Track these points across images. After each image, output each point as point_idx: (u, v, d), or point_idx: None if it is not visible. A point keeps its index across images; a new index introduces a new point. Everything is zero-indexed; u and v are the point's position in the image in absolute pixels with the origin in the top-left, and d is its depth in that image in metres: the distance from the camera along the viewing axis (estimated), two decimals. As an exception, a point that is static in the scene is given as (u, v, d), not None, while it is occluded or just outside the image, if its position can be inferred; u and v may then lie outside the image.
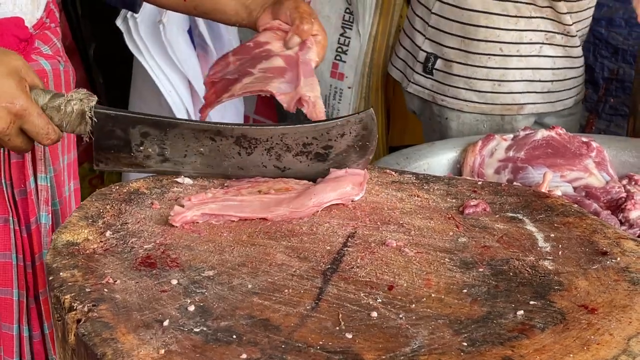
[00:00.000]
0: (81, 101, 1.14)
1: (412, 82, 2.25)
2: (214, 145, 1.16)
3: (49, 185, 1.37)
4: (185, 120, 1.19)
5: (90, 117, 1.13)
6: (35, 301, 1.37)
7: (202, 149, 1.16)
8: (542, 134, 1.91)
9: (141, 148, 1.16)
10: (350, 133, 1.17)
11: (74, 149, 1.55)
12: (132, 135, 1.15)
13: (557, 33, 2.12)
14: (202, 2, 1.44)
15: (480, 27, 2.09)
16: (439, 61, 2.17)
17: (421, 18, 2.21)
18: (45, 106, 1.13)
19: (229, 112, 2.49)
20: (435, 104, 2.21)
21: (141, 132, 1.15)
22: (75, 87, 1.52)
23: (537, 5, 2.07)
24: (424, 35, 2.20)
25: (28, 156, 1.34)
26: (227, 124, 1.18)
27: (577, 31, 2.14)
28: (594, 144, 1.90)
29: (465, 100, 2.16)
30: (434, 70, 2.19)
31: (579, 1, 2.11)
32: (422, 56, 2.20)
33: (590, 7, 2.16)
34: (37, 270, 1.36)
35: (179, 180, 1.19)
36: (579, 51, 2.18)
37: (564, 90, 2.20)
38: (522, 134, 1.92)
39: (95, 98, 1.16)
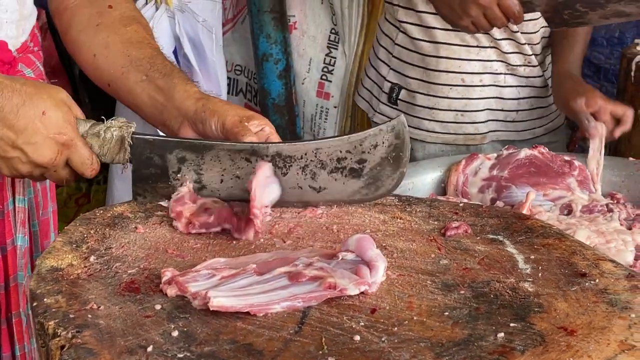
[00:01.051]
0: (120, 128, 1.16)
1: (378, 112, 2.24)
2: (250, 167, 1.16)
3: (26, 207, 1.37)
4: (221, 141, 1.18)
5: (129, 144, 1.14)
6: (7, 322, 1.37)
7: (238, 172, 1.16)
8: (525, 152, 1.93)
9: (178, 176, 1.16)
10: (383, 143, 1.18)
11: None
12: (170, 161, 1.16)
13: (519, 66, 2.12)
14: (119, 95, 1.38)
15: (442, 57, 2.10)
16: (402, 92, 2.17)
17: (385, 49, 2.21)
18: (86, 133, 1.15)
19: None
20: None
21: (178, 157, 1.16)
22: None
23: (494, 38, 2.08)
24: (389, 66, 2.20)
25: (7, 178, 1.34)
26: (261, 142, 1.18)
27: (539, 63, 2.15)
28: (577, 163, 1.92)
29: (428, 131, 2.16)
30: (398, 101, 2.18)
31: (534, 33, 2.11)
32: (387, 86, 2.20)
33: (545, 37, 2.16)
34: (10, 292, 1.36)
35: (163, 203, 1.20)
36: (542, 81, 2.17)
37: (531, 119, 2.20)
38: (505, 153, 1.94)
39: (134, 124, 1.16)
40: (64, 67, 3.29)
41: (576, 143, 2.68)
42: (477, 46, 2.09)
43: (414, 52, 2.13)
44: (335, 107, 2.70)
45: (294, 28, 2.74)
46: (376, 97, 2.25)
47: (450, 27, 2.02)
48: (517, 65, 2.12)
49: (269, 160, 1.15)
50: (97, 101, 3.47)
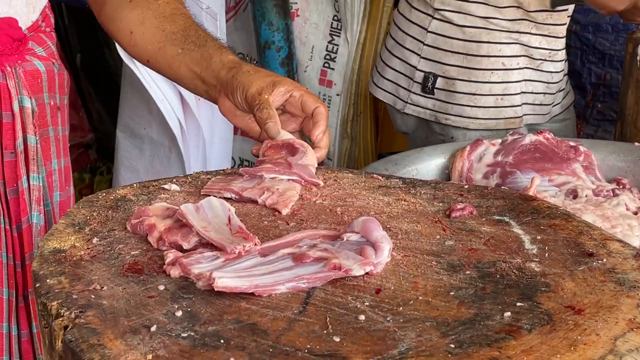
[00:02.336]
0: None
1: (410, 103, 2.21)
2: None
3: (41, 185, 1.37)
4: None
5: None
6: (24, 300, 1.37)
7: None
8: (530, 138, 1.92)
9: None
10: None
11: (66, 156, 1.55)
12: None
13: (547, 49, 2.17)
14: (160, 70, 1.39)
15: (483, 42, 2.10)
16: (439, 80, 2.15)
17: (414, 37, 2.18)
18: None
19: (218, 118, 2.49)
20: (439, 123, 2.19)
21: None
22: (68, 92, 1.53)
23: (537, 22, 2.12)
24: (419, 55, 2.17)
25: (21, 155, 1.35)
26: None
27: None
28: (582, 148, 1.91)
29: (470, 117, 2.15)
30: (435, 90, 2.16)
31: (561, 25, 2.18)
32: (419, 76, 2.17)
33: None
34: (26, 270, 1.36)
35: (166, 186, 1.19)
36: (562, 54, 2.23)
37: (554, 102, 2.25)
38: (510, 138, 1.93)
39: None
40: (66, 57, 3.29)
41: (580, 130, 2.68)
42: (517, 32, 2.11)
43: (453, 39, 2.12)
44: (337, 95, 2.69)
45: (296, 15, 2.73)
46: (405, 88, 2.22)
47: (490, 15, 2.07)
48: (558, 50, 2.18)
49: None
50: (100, 92, 3.47)
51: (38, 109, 1.41)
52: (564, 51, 2.23)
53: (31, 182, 1.36)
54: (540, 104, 2.22)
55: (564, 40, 2.20)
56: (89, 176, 3.49)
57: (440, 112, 2.17)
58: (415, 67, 2.18)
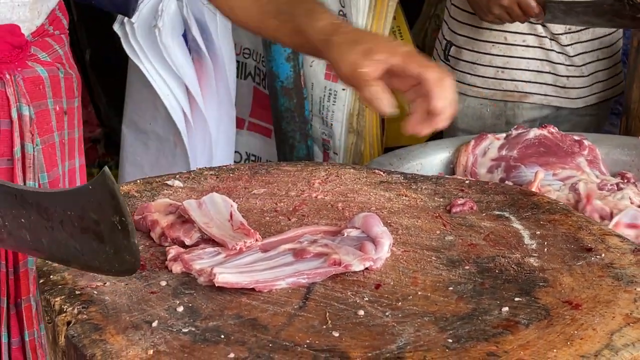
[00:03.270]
0: None
1: None
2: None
3: None
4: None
5: None
6: (16, 308, 1.36)
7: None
8: (534, 132, 1.92)
9: None
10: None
11: (79, 155, 1.55)
12: None
13: (561, 34, 2.18)
14: (275, 40, 1.38)
15: None
16: (452, 48, 2.30)
17: (447, 9, 2.35)
18: None
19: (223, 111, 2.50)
20: None
21: None
22: (79, 95, 1.53)
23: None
24: (447, 25, 2.34)
25: (18, 163, 1.34)
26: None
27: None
28: (586, 142, 1.91)
29: (469, 85, 2.26)
30: (449, 57, 2.32)
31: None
32: (443, 44, 2.35)
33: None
34: (20, 278, 1.35)
35: (169, 182, 1.20)
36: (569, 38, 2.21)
37: (585, 87, 2.24)
38: (514, 133, 1.94)
39: None
40: (74, 54, 3.30)
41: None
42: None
43: (465, 11, 2.24)
44: (343, 89, 2.68)
45: (302, 10, 2.73)
46: (437, 56, 2.40)
47: None
48: (559, 34, 2.18)
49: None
50: (107, 86, 3.48)
51: (40, 116, 1.40)
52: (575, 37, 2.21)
53: None
54: (564, 87, 2.22)
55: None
56: (97, 171, 3.51)
57: None
58: (443, 36, 2.36)
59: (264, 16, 1.28)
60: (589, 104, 2.26)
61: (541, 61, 2.20)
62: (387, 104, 1.12)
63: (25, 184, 1.35)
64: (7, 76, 1.35)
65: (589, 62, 2.23)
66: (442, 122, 1.13)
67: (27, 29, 1.37)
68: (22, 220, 0.90)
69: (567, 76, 2.22)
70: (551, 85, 2.23)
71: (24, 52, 1.37)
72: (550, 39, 2.19)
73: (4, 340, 1.35)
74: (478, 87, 2.25)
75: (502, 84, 2.23)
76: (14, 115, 1.35)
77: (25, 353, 1.36)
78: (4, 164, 1.34)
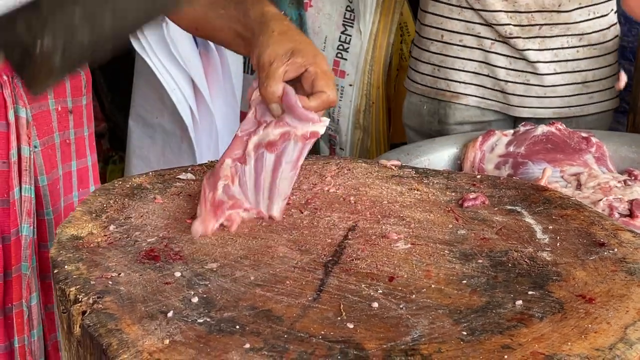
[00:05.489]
0: None
1: None
2: None
3: (33, 196, 1.35)
4: None
5: None
6: (4, 313, 1.34)
7: None
8: (542, 129, 1.92)
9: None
10: None
11: (91, 153, 1.53)
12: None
13: (513, 38, 2.07)
14: (207, 36, 1.36)
15: (428, 13, 2.17)
16: (412, 44, 2.31)
17: None
18: None
19: (226, 107, 2.50)
20: None
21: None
22: (87, 92, 1.51)
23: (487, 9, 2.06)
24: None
25: (14, 166, 1.32)
26: None
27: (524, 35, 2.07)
28: (594, 139, 1.91)
29: (411, 80, 2.26)
30: (410, 52, 2.34)
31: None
32: None
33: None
34: (12, 283, 1.33)
35: (181, 176, 1.20)
36: (535, 55, 2.07)
37: (531, 96, 2.11)
38: (522, 129, 1.94)
39: None
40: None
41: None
42: (458, 6, 2.11)
43: (420, 9, 2.24)
44: (350, 85, 2.69)
45: (310, 6, 2.73)
46: None
47: None
48: (510, 38, 2.07)
49: None
50: (113, 80, 3.48)
51: (40, 117, 1.38)
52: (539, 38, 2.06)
53: (23, 194, 1.32)
54: (502, 91, 2.11)
55: (513, 27, 2.05)
56: (102, 165, 3.51)
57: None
58: None
59: (209, 8, 1.26)
60: (541, 117, 2.10)
61: (481, 63, 2.12)
62: (279, 111, 1.13)
63: (21, 187, 1.32)
64: (5, 77, 1.32)
65: (529, 72, 2.08)
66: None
67: None
68: None
69: (506, 81, 2.09)
70: (490, 89, 2.13)
71: None
72: (494, 41, 2.07)
73: None
74: (417, 83, 2.23)
75: (437, 82, 2.19)
76: (11, 117, 1.32)
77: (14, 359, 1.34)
78: (0, 166, 1.32)
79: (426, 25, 2.18)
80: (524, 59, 2.09)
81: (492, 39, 2.10)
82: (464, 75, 2.15)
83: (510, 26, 2.06)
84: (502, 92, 2.13)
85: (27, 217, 1.33)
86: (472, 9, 2.09)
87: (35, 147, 1.37)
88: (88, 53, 0.98)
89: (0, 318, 1.35)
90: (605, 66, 2.13)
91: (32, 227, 1.34)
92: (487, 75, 2.13)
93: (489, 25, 2.09)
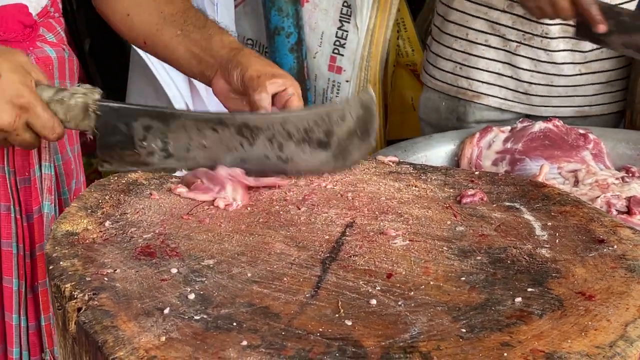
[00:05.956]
0: (85, 95, 1.14)
1: None
2: (217, 137, 1.15)
3: (53, 174, 1.37)
4: (187, 111, 1.19)
5: (93, 111, 1.13)
6: (32, 292, 1.36)
7: (204, 142, 1.15)
8: (539, 125, 1.91)
9: (144, 143, 1.15)
10: (351, 115, 1.17)
11: (77, 142, 1.55)
12: (136, 129, 1.14)
13: (534, 35, 2.07)
14: (156, 52, 1.41)
15: (454, 9, 2.15)
16: (429, 38, 2.29)
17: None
18: (50, 100, 1.14)
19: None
20: None
21: (144, 125, 1.14)
22: (77, 78, 1.53)
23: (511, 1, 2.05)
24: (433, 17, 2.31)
25: None
26: (228, 113, 1.18)
27: (560, 35, 2.06)
28: (591, 136, 1.90)
29: (430, 76, 2.25)
30: (426, 46, 2.33)
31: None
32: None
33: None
34: (36, 261, 1.35)
35: (178, 173, 1.19)
36: (564, 56, 2.07)
37: (553, 96, 2.12)
38: (519, 125, 1.93)
39: (99, 91, 1.16)
40: (74, 42, 3.29)
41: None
42: (486, 5, 2.09)
43: (442, 4, 2.22)
44: (347, 81, 2.68)
45: (306, 1, 2.72)
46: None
47: None
48: (533, 34, 2.07)
49: (236, 131, 1.14)
50: (107, 75, 3.47)
51: None
52: (560, 40, 2.06)
53: (43, 171, 1.35)
54: (526, 93, 2.11)
55: (551, 27, 2.04)
56: (96, 161, 3.50)
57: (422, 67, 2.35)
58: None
59: (165, 25, 1.36)
60: (563, 115, 2.07)
61: (502, 64, 2.12)
62: (266, 105, 1.23)
63: (41, 165, 1.34)
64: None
65: (553, 74, 2.08)
66: None
67: (33, 9, 1.37)
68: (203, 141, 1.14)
69: (530, 82, 2.10)
70: (512, 90, 2.12)
71: (35, 31, 1.37)
72: (518, 43, 2.07)
73: (23, 324, 1.34)
74: (436, 79, 2.22)
75: (458, 80, 2.18)
76: None
77: (42, 338, 1.36)
78: None
79: (450, 22, 2.16)
80: (551, 61, 2.09)
81: (517, 42, 2.09)
82: (487, 75, 2.14)
83: (549, 26, 2.04)
84: (525, 93, 2.14)
85: (48, 194, 1.34)
86: (503, 11, 2.06)
87: None
88: (168, 172, 1.19)
89: (29, 297, 1.36)
90: (625, 66, 2.15)
91: (53, 204, 1.36)
92: (511, 77, 2.13)
93: (514, 29, 2.07)
